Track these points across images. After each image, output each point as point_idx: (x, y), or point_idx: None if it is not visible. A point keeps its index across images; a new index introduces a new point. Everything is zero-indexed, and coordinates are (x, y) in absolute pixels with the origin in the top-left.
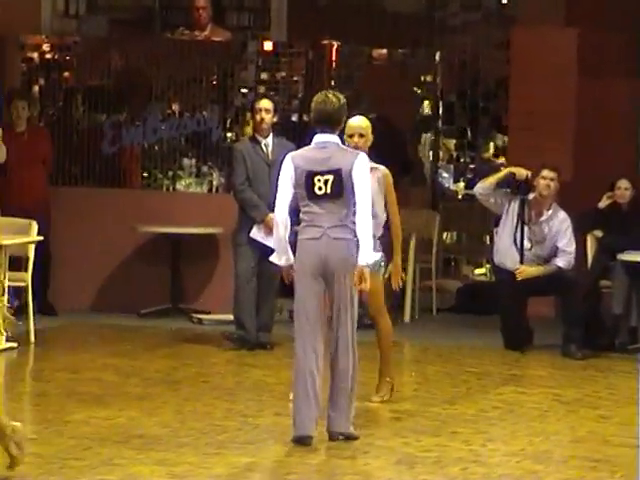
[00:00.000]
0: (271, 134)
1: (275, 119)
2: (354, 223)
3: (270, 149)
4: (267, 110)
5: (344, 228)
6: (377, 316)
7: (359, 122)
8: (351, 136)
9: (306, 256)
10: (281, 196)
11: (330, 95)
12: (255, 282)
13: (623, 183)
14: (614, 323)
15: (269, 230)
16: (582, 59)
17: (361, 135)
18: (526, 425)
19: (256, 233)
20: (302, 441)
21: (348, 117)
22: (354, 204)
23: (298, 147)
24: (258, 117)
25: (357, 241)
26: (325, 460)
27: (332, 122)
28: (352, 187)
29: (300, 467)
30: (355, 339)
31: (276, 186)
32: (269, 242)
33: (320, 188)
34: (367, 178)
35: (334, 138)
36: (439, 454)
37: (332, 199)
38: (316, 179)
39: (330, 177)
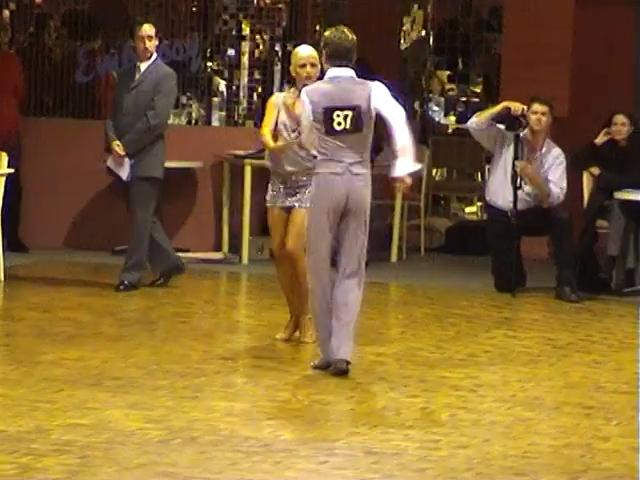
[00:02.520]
0: (152, 57)
1: (157, 42)
2: (370, 159)
3: (141, 73)
4: (150, 37)
5: (364, 164)
6: (299, 252)
7: (309, 51)
8: (303, 66)
9: (327, 190)
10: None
11: (346, 30)
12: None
13: (620, 118)
14: (610, 265)
15: (118, 157)
16: None
17: (312, 65)
18: (517, 370)
19: (110, 162)
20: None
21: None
22: (372, 139)
23: (282, 78)
24: (141, 44)
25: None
26: (306, 405)
27: (350, 56)
28: (370, 121)
29: (280, 412)
30: (363, 275)
31: (138, 111)
32: (120, 171)
33: (339, 123)
34: (389, 97)
35: (350, 72)
36: (426, 400)
37: (352, 134)
38: (335, 114)
39: (349, 112)
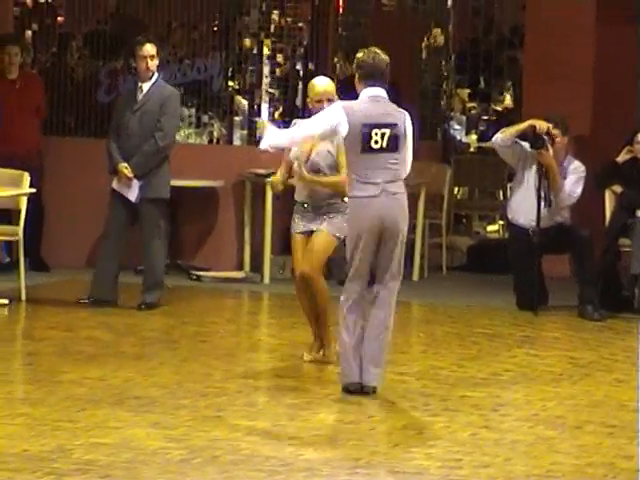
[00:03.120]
0: (154, 77)
1: (157, 62)
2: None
3: (144, 93)
4: (152, 56)
5: (399, 183)
6: (314, 275)
7: (326, 86)
8: (319, 101)
9: (364, 214)
10: (306, 132)
11: (378, 51)
12: (117, 239)
13: None
14: (633, 283)
15: (126, 180)
16: (601, 5)
17: (329, 100)
18: (539, 389)
19: (115, 184)
20: (350, 388)
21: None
22: (409, 159)
23: (303, 96)
24: (143, 64)
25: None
26: (328, 424)
27: (383, 77)
28: (405, 143)
29: (302, 431)
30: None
31: (144, 132)
32: (127, 193)
33: (377, 142)
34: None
35: (384, 92)
36: (448, 419)
37: (388, 153)
38: (373, 132)
39: (387, 131)
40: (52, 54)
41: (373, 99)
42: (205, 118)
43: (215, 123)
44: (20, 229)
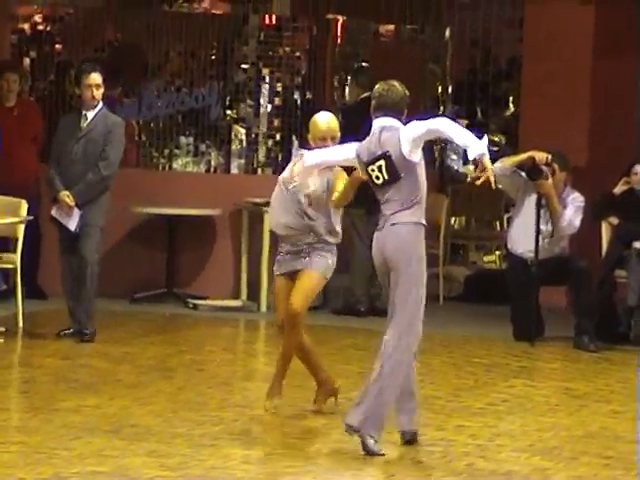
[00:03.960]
0: (98, 106)
1: (102, 91)
2: (419, 207)
3: (88, 121)
4: (97, 85)
5: (405, 212)
6: (301, 313)
7: (329, 124)
8: (323, 139)
9: (373, 248)
10: (327, 157)
11: (395, 84)
12: (69, 261)
13: (638, 169)
14: (629, 315)
15: (67, 208)
16: (598, 39)
17: (333, 139)
18: (535, 419)
19: (55, 212)
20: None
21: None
22: (416, 186)
23: (301, 126)
24: (88, 92)
25: (423, 225)
26: (325, 454)
27: (397, 108)
28: (409, 165)
29: (298, 460)
30: (407, 343)
31: (88, 160)
32: (67, 222)
33: (377, 177)
34: (417, 124)
35: (389, 121)
36: (444, 449)
37: (391, 184)
38: (370, 169)
39: (382, 162)
40: (50, 82)
41: (373, 132)
42: (203, 147)
43: (212, 152)
44: (18, 257)
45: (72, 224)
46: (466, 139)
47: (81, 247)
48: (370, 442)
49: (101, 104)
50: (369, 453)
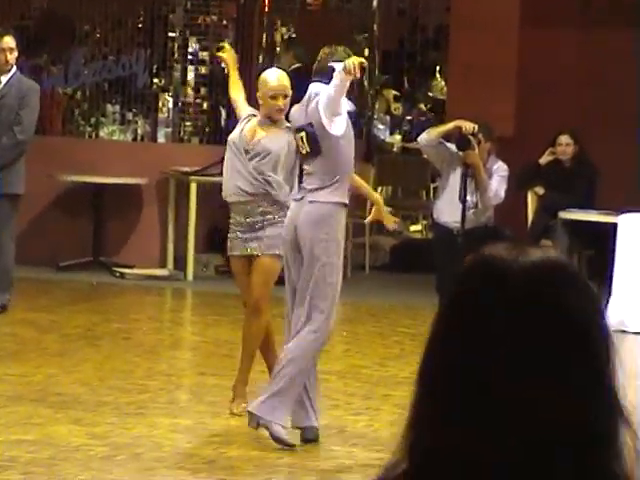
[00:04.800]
0: (12, 70)
1: (16, 55)
2: (340, 186)
3: (2, 85)
4: (11, 49)
5: (325, 190)
6: (263, 303)
7: (282, 80)
8: (274, 97)
9: (287, 218)
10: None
11: (340, 49)
12: None
13: (564, 139)
14: None
15: None
16: (525, 8)
17: (285, 96)
18: None
19: None
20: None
21: (265, 69)
22: (338, 164)
23: (227, 94)
24: (2, 56)
25: (344, 205)
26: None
27: (321, 71)
28: (331, 139)
29: (224, 429)
30: (322, 334)
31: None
32: None
33: (302, 147)
34: (324, 93)
35: (318, 87)
36: (370, 417)
37: (313, 157)
38: (297, 136)
39: (303, 133)
40: None
41: (313, 96)
42: (129, 115)
43: (139, 120)
44: None
45: None
46: (333, 81)
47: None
48: (277, 429)
49: (15, 68)
50: (278, 441)
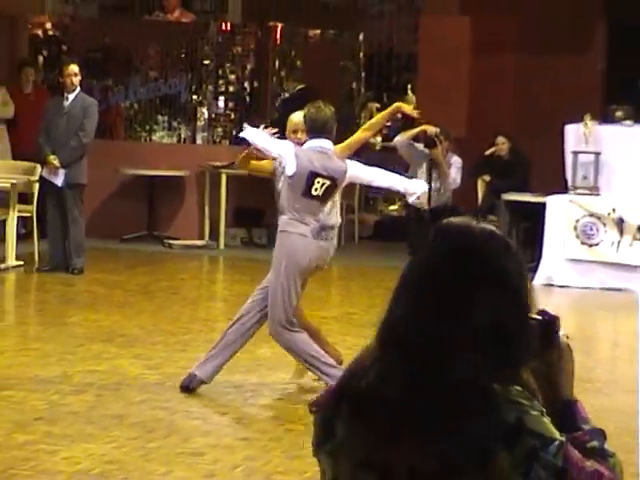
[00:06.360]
0: (77, 90)
1: (80, 78)
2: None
3: (70, 101)
4: (75, 74)
5: (313, 226)
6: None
7: (301, 118)
8: (295, 132)
9: (301, 253)
10: (264, 143)
11: (322, 105)
12: (54, 212)
13: (500, 139)
14: None
15: (54, 168)
16: (475, 40)
17: (303, 131)
18: None
19: (45, 172)
20: None
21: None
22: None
23: (250, 108)
24: (68, 80)
25: (316, 243)
26: (268, 356)
27: (325, 128)
28: (335, 193)
29: (248, 361)
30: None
31: (70, 131)
32: (54, 179)
33: (316, 189)
34: (363, 166)
35: (327, 143)
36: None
37: (320, 202)
38: (316, 180)
39: (327, 182)
40: (57, 74)
41: (319, 149)
42: (175, 123)
43: (182, 127)
44: (34, 207)
45: (58, 181)
46: (403, 183)
47: (67, 201)
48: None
49: (79, 88)
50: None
